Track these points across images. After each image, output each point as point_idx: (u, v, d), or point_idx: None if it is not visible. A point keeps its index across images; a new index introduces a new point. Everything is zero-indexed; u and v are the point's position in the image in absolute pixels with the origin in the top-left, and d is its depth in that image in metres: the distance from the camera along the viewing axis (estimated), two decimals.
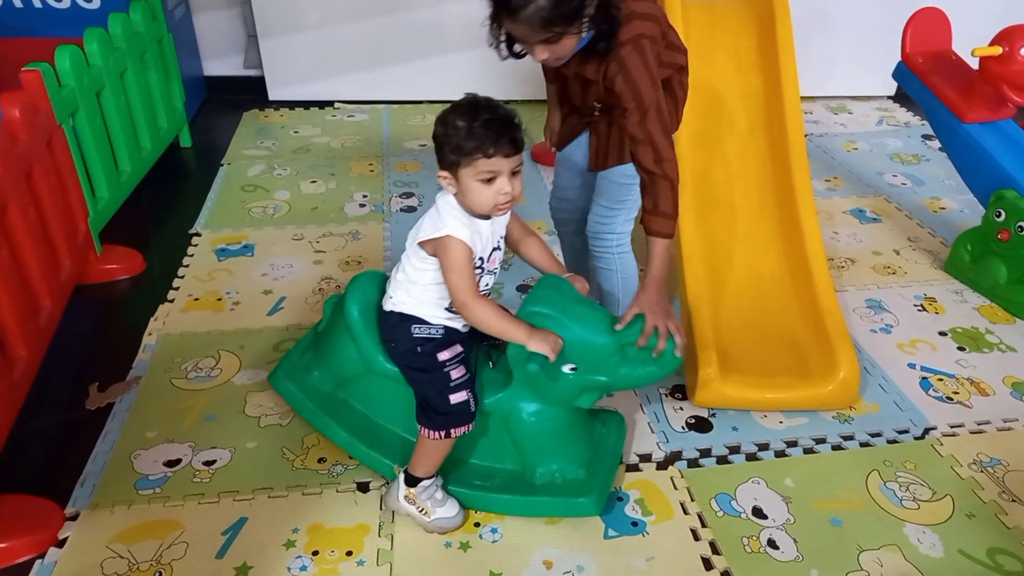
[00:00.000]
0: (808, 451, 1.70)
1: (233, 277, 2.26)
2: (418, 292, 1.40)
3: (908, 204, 2.81)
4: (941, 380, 1.93)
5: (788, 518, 1.52)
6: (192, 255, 2.37)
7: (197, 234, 2.49)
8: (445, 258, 1.32)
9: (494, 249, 1.40)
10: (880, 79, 3.58)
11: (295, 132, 3.30)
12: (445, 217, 1.31)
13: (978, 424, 1.79)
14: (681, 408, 1.81)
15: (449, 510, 1.45)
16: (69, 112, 2.12)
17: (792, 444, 1.71)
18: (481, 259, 1.36)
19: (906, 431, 1.76)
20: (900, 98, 3.82)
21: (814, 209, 2.00)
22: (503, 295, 2.17)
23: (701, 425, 1.76)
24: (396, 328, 1.43)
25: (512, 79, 3.56)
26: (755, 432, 1.74)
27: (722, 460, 1.67)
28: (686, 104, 1.68)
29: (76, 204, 2.10)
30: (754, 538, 1.48)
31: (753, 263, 2.03)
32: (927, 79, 2.36)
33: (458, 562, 1.41)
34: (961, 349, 2.05)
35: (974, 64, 2.25)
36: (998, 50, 2.12)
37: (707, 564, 1.42)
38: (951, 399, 1.86)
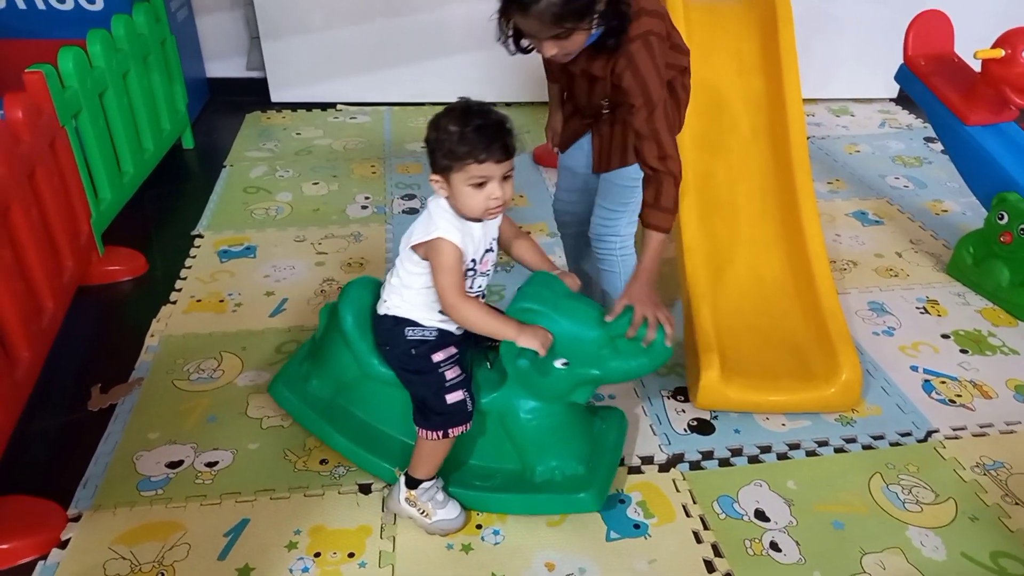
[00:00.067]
0: (810, 454, 1.70)
1: (235, 279, 2.27)
2: (411, 296, 1.41)
3: (910, 206, 2.81)
4: (944, 383, 1.93)
5: (790, 521, 1.52)
6: (194, 257, 2.38)
7: (199, 236, 2.49)
8: (435, 260, 1.33)
9: (487, 251, 1.40)
10: (882, 81, 3.59)
11: (297, 134, 3.31)
12: (436, 220, 1.32)
13: (981, 427, 1.78)
14: (683, 410, 1.81)
15: (450, 512, 1.45)
16: (72, 113, 2.12)
17: (794, 446, 1.71)
18: (474, 261, 1.37)
19: (908, 434, 1.76)
20: (902, 100, 3.82)
21: (816, 211, 2.00)
22: (504, 297, 2.17)
23: (703, 427, 1.76)
24: (390, 331, 1.44)
25: (514, 81, 3.57)
26: (757, 434, 1.74)
27: (724, 462, 1.67)
28: (688, 106, 1.68)
29: (79, 205, 2.11)
30: (756, 541, 1.48)
31: (755, 265, 2.02)
32: (929, 81, 2.36)
33: (460, 564, 1.41)
34: (964, 352, 2.04)
35: (976, 66, 2.25)
36: (1000, 52, 2.12)
37: (709, 567, 1.42)
38: (954, 402, 1.86)
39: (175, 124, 2.94)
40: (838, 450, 1.71)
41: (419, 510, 1.45)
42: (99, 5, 2.65)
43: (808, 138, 2.33)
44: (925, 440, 1.74)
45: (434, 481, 1.45)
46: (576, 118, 1.68)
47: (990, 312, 2.21)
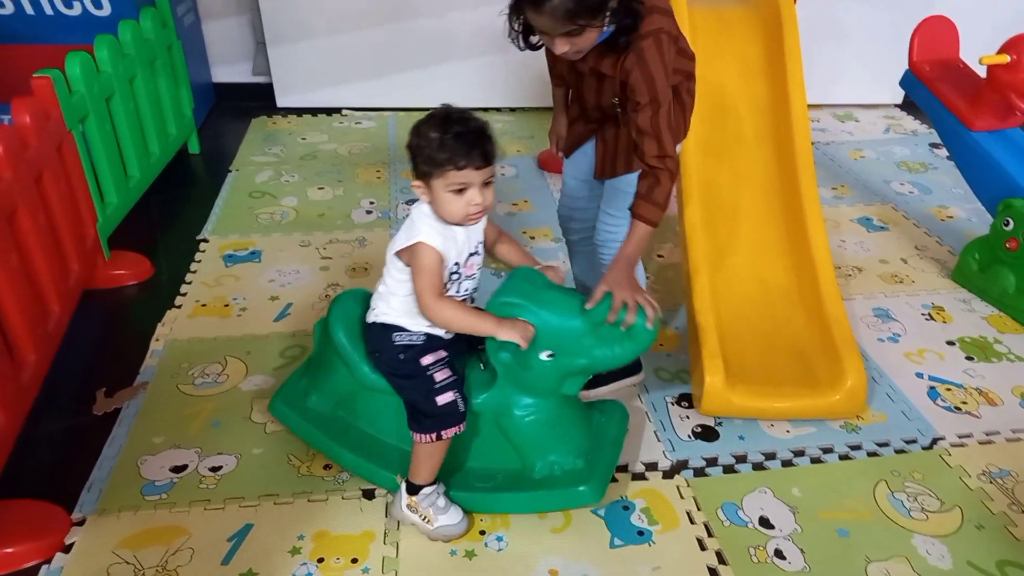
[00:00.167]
0: (815, 461, 1.69)
1: (240, 283, 2.27)
2: (397, 303, 1.42)
3: (915, 212, 2.80)
4: (949, 390, 1.92)
5: (795, 528, 1.52)
6: (200, 261, 2.38)
7: (205, 240, 2.50)
8: (415, 263, 1.34)
9: (471, 254, 1.41)
10: (887, 87, 3.58)
11: (303, 139, 3.32)
12: (418, 225, 1.34)
13: (987, 434, 1.78)
14: (687, 417, 1.80)
15: (452, 517, 1.45)
16: (79, 118, 2.13)
17: (799, 453, 1.71)
18: (457, 264, 1.38)
19: (914, 441, 1.75)
20: (907, 106, 3.82)
21: (821, 217, 2.00)
22: None
23: (707, 434, 1.75)
24: (378, 338, 1.46)
25: (518, 86, 3.57)
26: (762, 441, 1.74)
27: (729, 469, 1.66)
28: (693, 111, 1.68)
29: (85, 209, 2.11)
30: (761, 548, 1.47)
31: (760, 271, 2.02)
32: (934, 87, 2.36)
33: (463, 570, 1.41)
34: (969, 359, 2.04)
35: (982, 72, 2.25)
36: (1006, 58, 2.12)
37: (713, 574, 1.42)
38: (959, 409, 1.85)
39: (181, 129, 2.95)
40: (843, 457, 1.70)
41: (421, 516, 1.45)
42: (106, 10, 2.66)
43: (813, 143, 2.32)
44: (931, 447, 1.74)
45: (435, 487, 1.45)
46: (581, 123, 1.68)
47: (996, 319, 2.20)
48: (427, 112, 1.32)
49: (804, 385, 1.78)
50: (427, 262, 1.33)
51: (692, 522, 1.52)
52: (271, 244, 2.48)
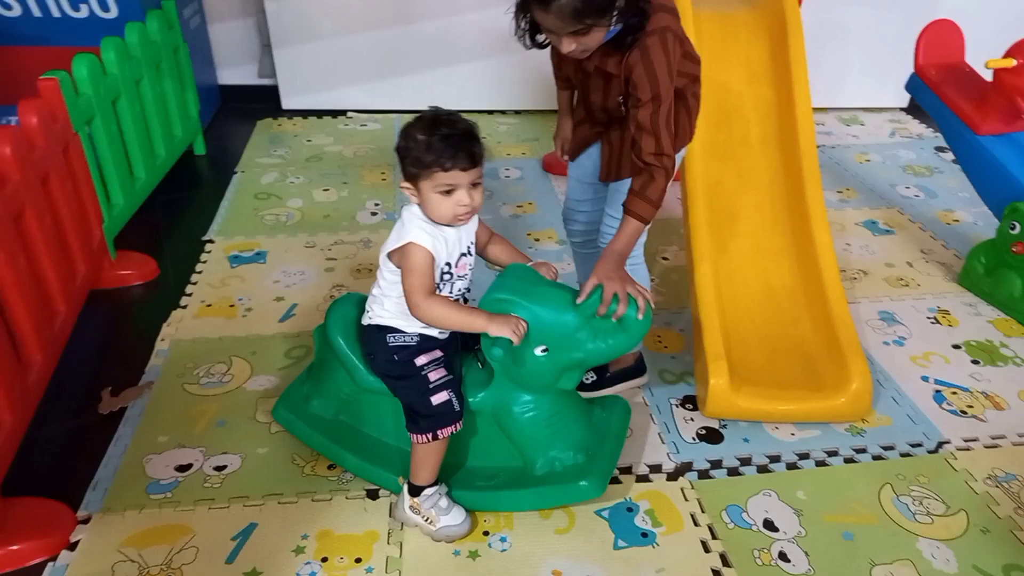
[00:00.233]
0: (820, 464, 1.69)
1: (245, 284, 2.28)
2: (391, 305, 1.43)
3: (921, 216, 2.80)
4: (955, 393, 1.91)
5: (799, 531, 1.51)
6: (205, 262, 2.39)
7: (210, 241, 2.51)
8: (405, 263, 1.35)
9: (462, 255, 1.41)
10: (893, 91, 3.58)
11: (308, 141, 3.33)
12: (408, 226, 1.35)
13: (993, 438, 1.77)
14: (692, 419, 1.80)
15: (455, 518, 1.45)
16: (85, 120, 2.14)
17: (804, 456, 1.70)
18: (448, 264, 1.39)
19: (919, 444, 1.75)
20: (913, 110, 3.81)
21: (826, 220, 1.99)
22: None
23: (712, 436, 1.75)
24: (373, 340, 1.46)
25: (523, 89, 3.58)
26: (766, 444, 1.73)
27: (733, 472, 1.66)
28: (699, 115, 1.68)
29: (91, 210, 2.12)
30: (765, 551, 1.47)
31: (765, 274, 2.02)
32: (940, 91, 2.35)
33: (467, 571, 1.41)
34: (975, 362, 2.03)
35: (988, 76, 2.24)
36: (1012, 62, 2.12)
37: None
38: (965, 413, 1.85)
39: (187, 130, 2.96)
40: (848, 460, 1.70)
41: (423, 517, 1.45)
42: (113, 13, 2.67)
43: (818, 147, 2.32)
44: (936, 451, 1.73)
45: (437, 488, 1.46)
46: (586, 126, 1.68)
47: (1002, 322, 2.19)
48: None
49: (809, 388, 1.78)
50: (417, 262, 1.34)
51: (696, 524, 1.52)
52: (276, 245, 2.49)
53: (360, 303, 1.54)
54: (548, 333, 1.36)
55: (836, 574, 1.42)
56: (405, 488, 1.47)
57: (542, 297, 1.37)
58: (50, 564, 1.40)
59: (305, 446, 1.66)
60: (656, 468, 1.66)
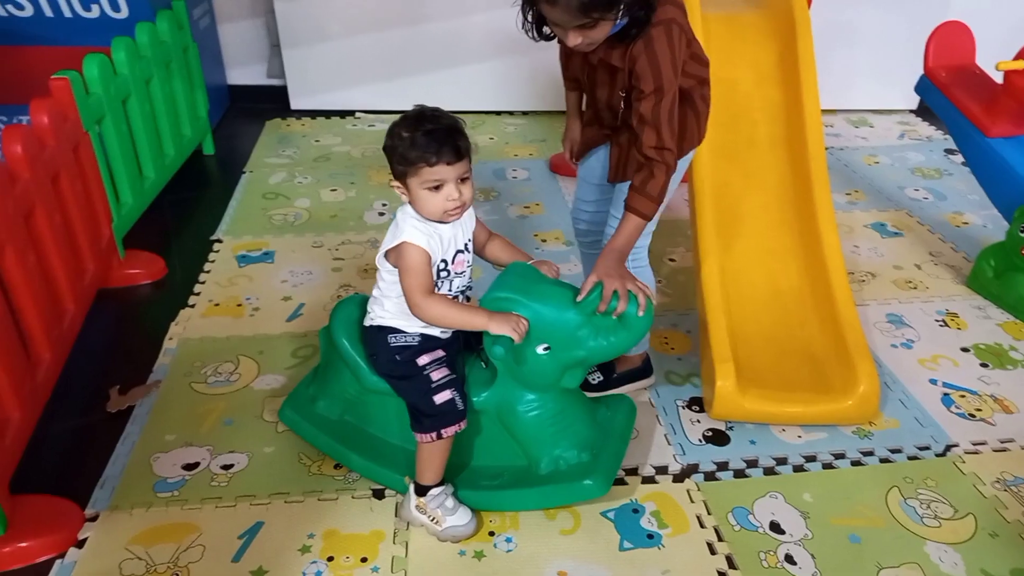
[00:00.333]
0: (827, 466, 1.68)
1: (253, 283, 2.28)
2: (391, 305, 1.43)
3: (930, 218, 2.79)
4: (963, 396, 1.90)
5: (806, 533, 1.51)
6: (213, 261, 2.40)
7: (218, 240, 2.52)
8: (401, 263, 1.36)
9: (458, 251, 1.41)
10: (902, 92, 3.56)
11: (316, 141, 3.34)
12: (402, 226, 1.36)
13: (1001, 442, 1.76)
14: (698, 421, 1.80)
15: (460, 518, 1.45)
16: (96, 119, 2.15)
17: (811, 459, 1.70)
18: (444, 261, 1.39)
19: (927, 447, 1.74)
20: (922, 112, 3.80)
21: (834, 222, 1.98)
22: None
23: (718, 438, 1.75)
24: (375, 340, 1.47)
25: (531, 89, 3.58)
26: (773, 446, 1.73)
27: (739, 474, 1.65)
28: (708, 118, 1.67)
29: (101, 209, 2.14)
30: (771, 553, 1.46)
31: (772, 275, 2.01)
32: (950, 93, 2.34)
33: (472, 571, 1.41)
34: (984, 365, 2.02)
35: (998, 78, 2.23)
36: (1023, 64, 2.10)
37: None
38: (973, 416, 1.84)
39: (196, 130, 2.97)
40: (855, 463, 1.69)
41: (429, 517, 1.45)
42: (124, 13, 2.69)
43: (827, 149, 2.32)
44: (944, 454, 1.72)
45: (443, 488, 1.46)
46: (594, 126, 1.68)
47: (1011, 326, 2.18)
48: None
49: (816, 390, 1.77)
50: (413, 261, 1.34)
51: (702, 526, 1.52)
52: (284, 245, 2.49)
53: (364, 304, 1.55)
54: (549, 331, 1.36)
55: None
56: (411, 488, 1.47)
57: (543, 295, 1.37)
58: (58, 561, 1.41)
59: (311, 446, 1.66)
60: (662, 469, 1.66)
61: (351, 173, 3.02)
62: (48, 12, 2.69)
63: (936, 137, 3.55)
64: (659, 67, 1.39)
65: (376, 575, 1.40)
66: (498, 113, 3.62)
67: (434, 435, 1.39)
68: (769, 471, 1.66)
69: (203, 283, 2.28)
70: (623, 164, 1.65)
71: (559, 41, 1.44)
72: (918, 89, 2.46)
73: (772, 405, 1.73)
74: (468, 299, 1.49)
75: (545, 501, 1.51)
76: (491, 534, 1.48)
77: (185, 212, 2.72)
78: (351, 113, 3.62)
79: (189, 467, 1.62)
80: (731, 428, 1.78)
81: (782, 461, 1.69)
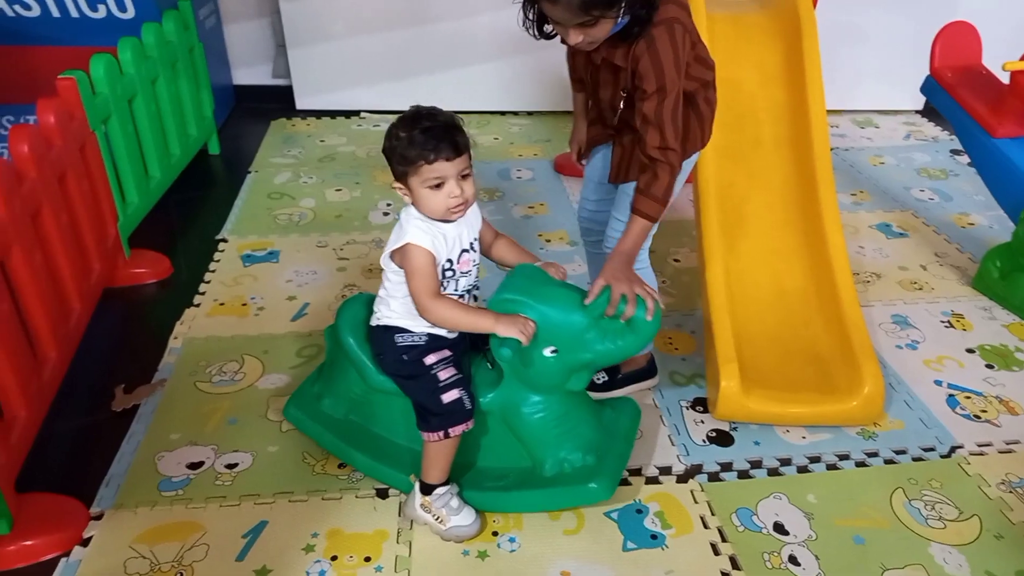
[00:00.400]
0: (831, 467, 1.68)
1: (258, 283, 2.29)
2: (397, 305, 1.43)
3: (935, 219, 2.78)
4: (968, 398, 1.90)
5: (810, 534, 1.51)
6: (218, 260, 2.41)
7: (224, 240, 2.53)
8: (407, 265, 1.36)
9: (463, 251, 1.41)
10: (908, 93, 3.56)
11: (321, 141, 3.34)
12: (406, 227, 1.36)
13: (1007, 443, 1.75)
14: (702, 421, 1.80)
15: (465, 518, 1.45)
16: (102, 119, 2.16)
17: (815, 460, 1.69)
18: (450, 261, 1.39)
19: (932, 449, 1.73)
20: (928, 112, 3.78)
21: (839, 223, 1.98)
22: None
23: (722, 439, 1.75)
24: (382, 340, 1.47)
25: (536, 89, 3.58)
26: (777, 447, 1.73)
27: (743, 474, 1.65)
28: (713, 121, 1.67)
29: (107, 209, 2.14)
30: (775, 554, 1.46)
31: (777, 276, 2.01)
32: (956, 93, 2.34)
33: (476, 571, 1.41)
34: (989, 367, 2.01)
35: (1004, 78, 2.23)
36: None
37: None
38: (979, 417, 1.83)
39: (202, 130, 2.98)
40: (859, 464, 1.69)
41: (434, 516, 1.45)
42: (130, 13, 2.70)
43: (832, 149, 2.31)
44: (949, 456, 1.72)
45: (448, 487, 1.46)
46: (598, 126, 1.68)
47: (1017, 327, 2.17)
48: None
49: (821, 391, 1.77)
50: (418, 263, 1.34)
51: (706, 527, 1.52)
52: (289, 245, 2.50)
53: (370, 303, 1.55)
54: (557, 334, 1.36)
55: None
56: (416, 486, 1.47)
57: (550, 297, 1.37)
58: (63, 559, 1.42)
59: (316, 445, 1.67)
60: (666, 470, 1.65)
61: (356, 173, 3.03)
62: (55, 12, 2.70)
63: (942, 138, 3.54)
64: (662, 67, 1.39)
65: (380, 574, 1.40)
66: (503, 113, 3.62)
67: (441, 434, 1.39)
68: (773, 472, 1.66)
69: (208, 282, 2.29)
70: (625, 165, 1.65)
71: (561, 40, 1.44)
72: (924, 89, 2.45)
73: (776, 406, 1.73)
74: (475, 299, 1.49)
75: (550, 503, 1.51)
76: (495, 534, 1.48)
77: (190, 212, 2.73)
78: (356, 113, 3.63)
79: (193, 466, 1.62)
80: (735, 429, 1.77)
81: (786, 462, 1.69)
